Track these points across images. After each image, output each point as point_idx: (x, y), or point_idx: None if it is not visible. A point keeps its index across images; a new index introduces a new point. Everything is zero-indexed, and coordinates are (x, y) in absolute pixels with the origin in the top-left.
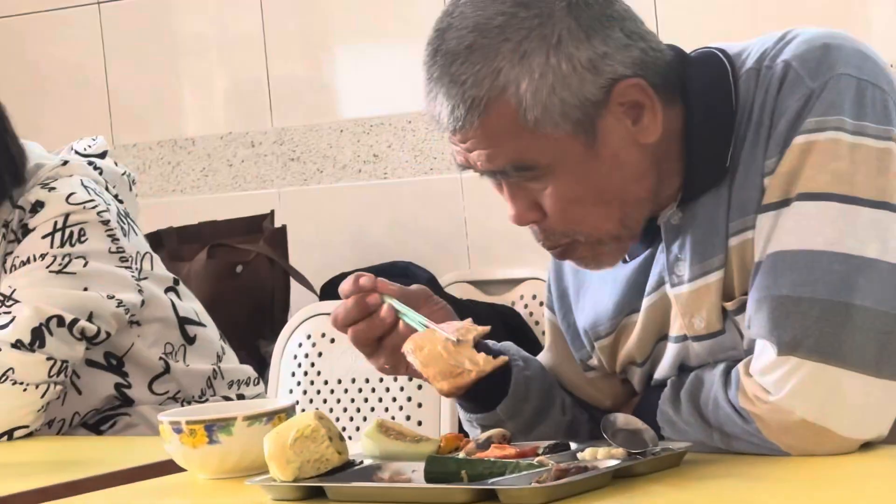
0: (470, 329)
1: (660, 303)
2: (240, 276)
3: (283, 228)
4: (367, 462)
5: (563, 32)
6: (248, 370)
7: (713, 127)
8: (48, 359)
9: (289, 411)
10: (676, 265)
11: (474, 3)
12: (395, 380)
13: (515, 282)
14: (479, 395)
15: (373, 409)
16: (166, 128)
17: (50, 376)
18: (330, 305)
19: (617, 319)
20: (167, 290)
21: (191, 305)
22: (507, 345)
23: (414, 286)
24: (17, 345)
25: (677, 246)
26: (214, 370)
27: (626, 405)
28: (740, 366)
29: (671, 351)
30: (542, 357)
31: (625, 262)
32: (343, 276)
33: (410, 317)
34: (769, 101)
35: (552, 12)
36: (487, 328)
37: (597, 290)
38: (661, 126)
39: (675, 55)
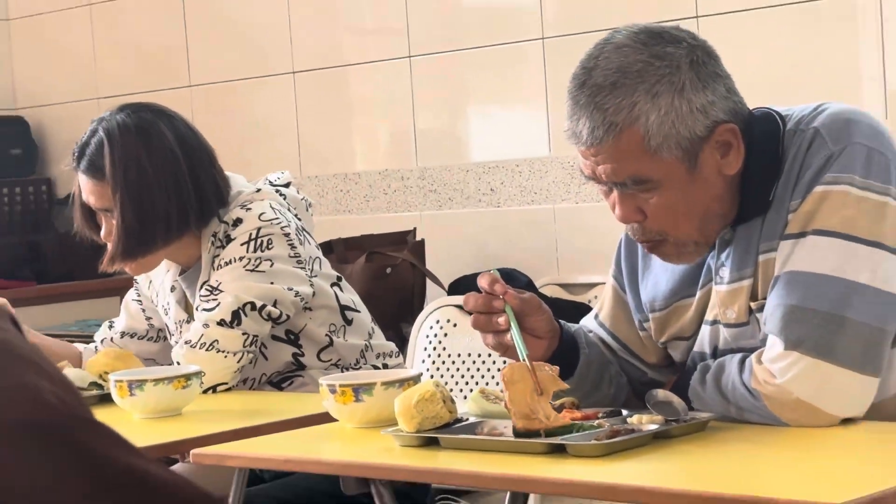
0: (553, 383)
1: (707, 294)
2: (389, 276)
3: (422, 241)
4: (472, 419)
5: (687, 82)
6: (392, 346)
7: (765, 170)
8: (243, 334)
9: (415, 379)
10: (721, 269)
11: (618, 51)
12: (500, 357)
13: (591, 285)
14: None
15: (483, 377)
16: (340, 165)
17: (244, 347)
18: (456, 300)
19: (670, 300)
20: (332, 284)
21: (350, 296)
22: (579, 331)
23: (527, 294)
24: (221, 323)
25: (724, 255)
26: (366, 345)
27: (665, 384)
28: (753, 356)
29: (705, 331)
30: (603, 316)
31: None
32: (465, 277)
33: (516, 337)
34: (799, 156)
35: (679, 65)
36: (567, 387)
37: (658, 274)
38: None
39: (749, 111)
